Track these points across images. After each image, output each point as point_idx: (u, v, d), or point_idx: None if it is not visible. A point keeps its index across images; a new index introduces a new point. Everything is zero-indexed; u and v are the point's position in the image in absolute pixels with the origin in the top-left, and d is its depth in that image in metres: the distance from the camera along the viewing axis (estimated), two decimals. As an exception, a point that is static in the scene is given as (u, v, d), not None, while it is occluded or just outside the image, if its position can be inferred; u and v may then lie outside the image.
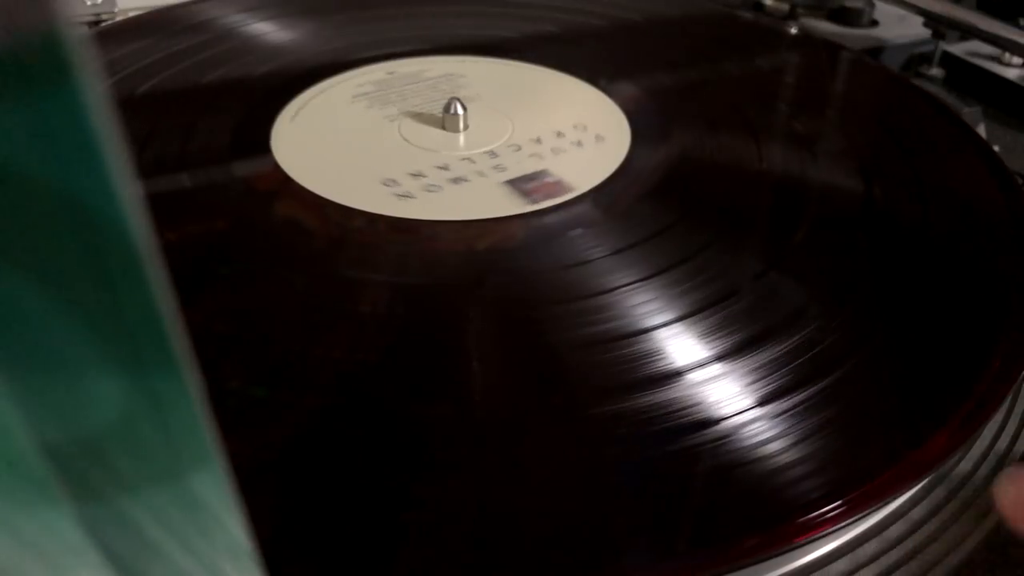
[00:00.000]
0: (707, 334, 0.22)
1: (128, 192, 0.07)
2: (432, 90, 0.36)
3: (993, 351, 0.22)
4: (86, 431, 0.09)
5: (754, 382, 0.21)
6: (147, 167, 0.30)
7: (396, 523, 0.17)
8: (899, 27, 0.51)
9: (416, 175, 0.30)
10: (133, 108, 0.34)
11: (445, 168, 0.30)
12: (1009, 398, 0.24)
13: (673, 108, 0.35)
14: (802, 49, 0.43)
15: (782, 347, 0.22)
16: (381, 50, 0.39)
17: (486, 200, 0.28)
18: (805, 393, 0.21)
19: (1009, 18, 0.44)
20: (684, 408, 0.20)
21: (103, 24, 0.44)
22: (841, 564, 0.20)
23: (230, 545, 0.10)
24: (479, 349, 0.22)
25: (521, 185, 0.29)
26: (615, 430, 0.20)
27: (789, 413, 0.20)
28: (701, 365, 0.21)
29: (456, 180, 0.30)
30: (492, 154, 0.32)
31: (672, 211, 0.28)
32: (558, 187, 0.29)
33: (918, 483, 0.21)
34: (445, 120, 0.33)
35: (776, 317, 0.23)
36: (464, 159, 0.31)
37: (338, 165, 0.30)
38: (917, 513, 0.21)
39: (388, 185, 0.29)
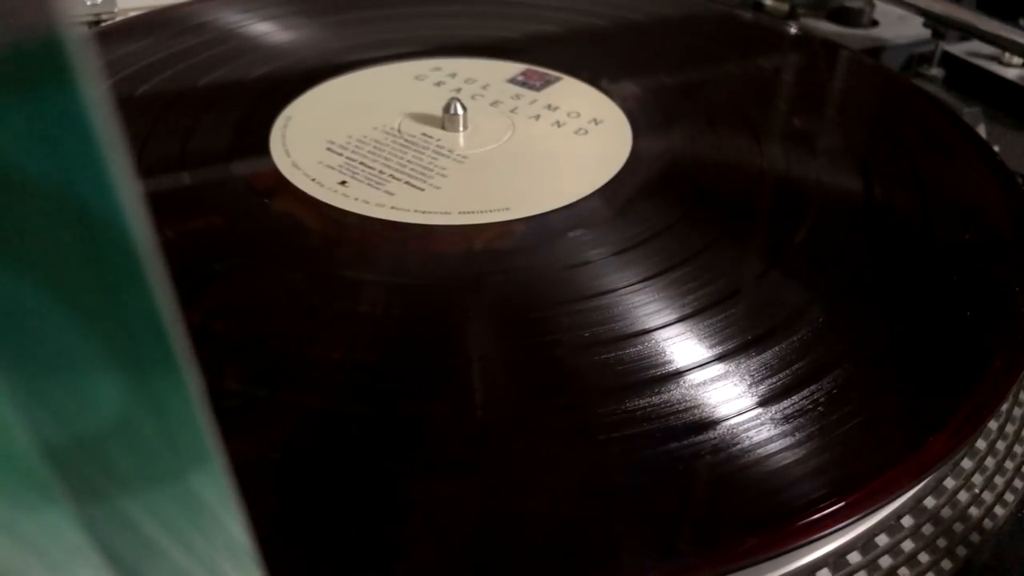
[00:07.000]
0: (707, 335, 0.22)
1: (128, 192, 0.07)
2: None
3: (993, 351, 0.22)
4: (86, 431, 0.09)
5: (755, 382, 0.21)
6: (147, 167, 0.30)
7: (395, 523, 0.17)
8: (899, 27, 0.51)
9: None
10: (133, 108, 0.34)
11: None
12: (1009, 398, 0.24)
13: (674, 108, 0.35)
14: (802, 49, 0.43)
15: (783, 347, 0.22)
16: (381, 51, 0.39)
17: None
18: (806, 393, 0.21)
19: (1009, 18, 0.44)
20: (684, 409, 0.20)
21: (103, 24, 0.44)
22: (849, 559, 0.20)
23: (230, 545, 0.10)
24: (479, 349, 0.22)
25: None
26: (616, 430, 0.20)
27: (790, 413, 0.20)
28: (701, 366, 0.21)
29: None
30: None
31: (672, 212, 0.28)
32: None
33: (918, 483, 0.21)
34: (445, 120, 0.33)
35: (777, 317, 0.23)
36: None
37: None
38: (915, 514, 0.21)
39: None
